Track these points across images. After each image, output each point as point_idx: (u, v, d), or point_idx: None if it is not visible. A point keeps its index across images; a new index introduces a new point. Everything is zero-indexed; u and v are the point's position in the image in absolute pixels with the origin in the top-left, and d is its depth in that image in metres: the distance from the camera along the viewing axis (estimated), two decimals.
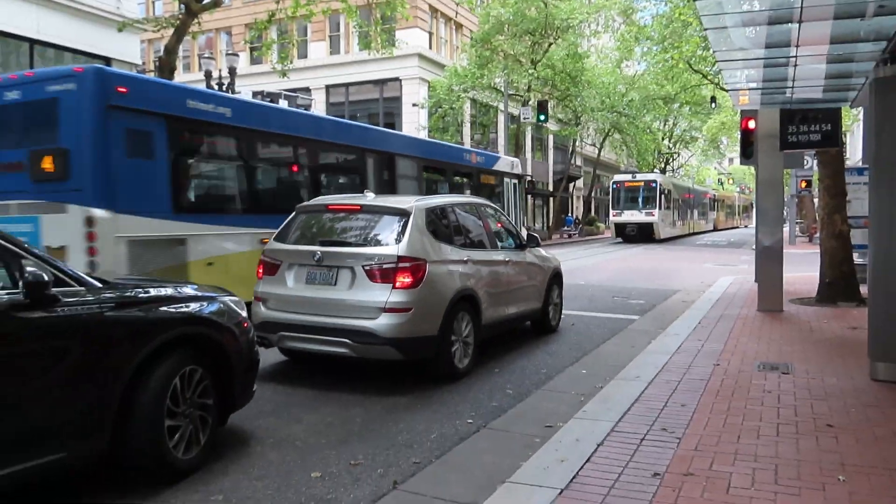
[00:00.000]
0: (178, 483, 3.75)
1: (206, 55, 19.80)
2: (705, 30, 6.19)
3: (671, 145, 53.79)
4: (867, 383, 5.53)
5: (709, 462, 3.77)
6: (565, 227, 41.62)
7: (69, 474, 3.47)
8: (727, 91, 9.43)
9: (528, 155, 38.31)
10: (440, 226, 6.50)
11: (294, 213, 6.72)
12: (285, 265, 6.16)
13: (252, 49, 31.33)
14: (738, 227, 63.05)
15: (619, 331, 8.56)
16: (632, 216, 34.90)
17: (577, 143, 44.79)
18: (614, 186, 36.80)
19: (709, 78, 29.81)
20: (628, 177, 37.07)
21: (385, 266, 5.72)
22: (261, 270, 6.35)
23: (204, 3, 14.96)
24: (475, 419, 4.99)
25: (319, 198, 7.31)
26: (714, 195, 57.83)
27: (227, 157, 9.46)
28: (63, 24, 17.04)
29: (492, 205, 8.24)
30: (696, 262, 21.24)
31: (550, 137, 45.35)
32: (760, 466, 3.71)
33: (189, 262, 8.02)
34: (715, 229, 54.62)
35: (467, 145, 31.69)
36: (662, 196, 35.58)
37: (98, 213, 7.07)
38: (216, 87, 17.86)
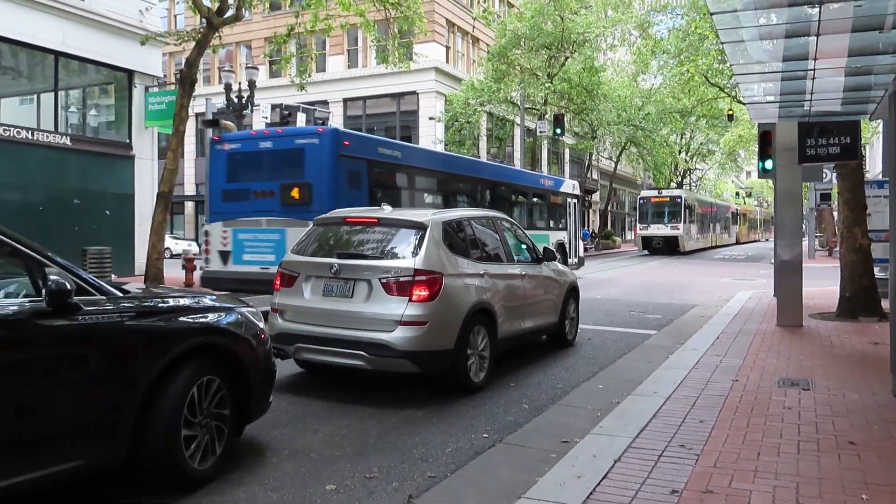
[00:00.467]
0: (193, 492, 3.77)
1: (226, 68, 20.04)
2: (722, 43, 6.18)
3: (688, 159, 53.57)
4: (889, 399, 5.44)
5: (728, 479, 3.72)
6: (582, 241, 41.53)
7: (85, 481, 3.49)
8: (744, 104, 9.39)
9: (545, 168, 38.30)
10: (456, 239, 6.50)
11: (312, 226, 6.76)
12: (302, 277, 6.19)
13: (271, 62, 31.67)
14: (759, 241, 63.25)
15: (635, 345, 8.49)
16: (658, 230, 36.62)
17: (593, 157, 44.73)
18: (641, 201, 38.53)
19: (725, 91, 29.70)
20: (654, 192, 38.90)
21: (401, 279, 5.73)
22: (278, 282, 6.38)
23: (225, 17, 15.14)
24: (491, 433, 4.96)
25: (337, 210, 7.36)
26: (737, 209, 58.97)
27: (398, 186, 12.92)
28: (87, 36, 17.40)
29: (508, 218, 8.24)
30: (714, 276, 21.05)
31: (566, 151, 45.31)
32: (781, 484, 3.65)
33: None
34: (737, 242, 55.71)
35: (483, 159, 31.75)
36: (687, 210, 37.07)
37: None
38: (235, 100, 18.04)
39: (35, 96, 17.96)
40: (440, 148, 29.22)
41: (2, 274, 3.64)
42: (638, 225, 38.37)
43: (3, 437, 3.01)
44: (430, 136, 32.03)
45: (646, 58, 33.08)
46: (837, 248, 14.96)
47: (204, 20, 15.41)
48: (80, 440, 3.30)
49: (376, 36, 18.69)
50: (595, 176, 49.54)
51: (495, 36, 31.60)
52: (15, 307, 3.17)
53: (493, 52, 30.95)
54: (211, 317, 4.13)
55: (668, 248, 35.87)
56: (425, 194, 13.87)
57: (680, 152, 50.15)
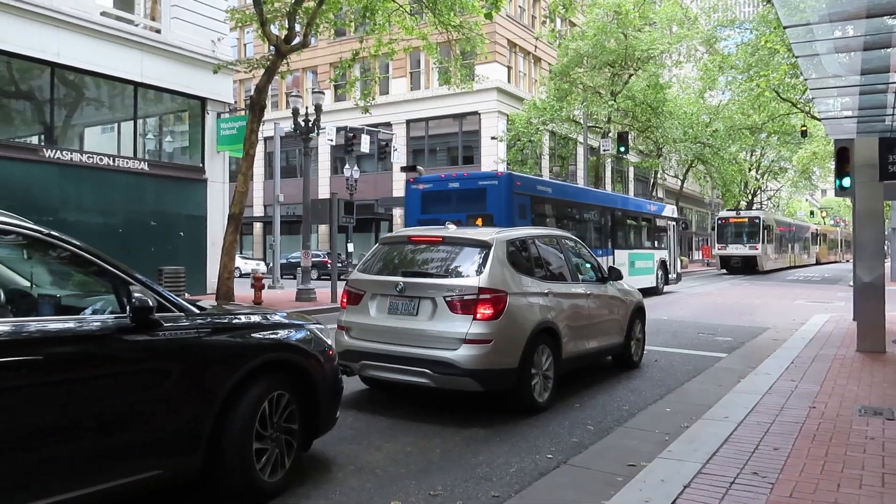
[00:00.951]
0: None
1: (293, 93, 20.67)
2: (796, 57, 6.02)
3: (759, 176, 51.94)
4: None
5: None
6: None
7: (160, 491, 3.62)
8: (819, 120, 9.08)
9: (609, 187, 37.83)
10: (521, 258, 6.49)
11: (377, 245, 6.88)
12: (368, 295, 6.29)
13: (336, 87, 32.57)
14: (840, 262, 61.15)
15: (704, 368, 8.24)
16: (736, 249, 37.57)
17: (658, 175, 43.90)
18: (720, 222, 39.34)
19: (798, 106, 28.73)
20: (733, 213, 39.73)
21: (466, 297, 5.76)
22: (345, 300, 6.51)
23: (293, 44, 15.71)
24: (555, 454, 4.90)
25: (401, 229, 7.48)
26: (816, 229, 58.14)
27: (550, 214, 16.34)
28: (164, 67, 18.33)
29: (573, 237, 8.18)
30: (787, 298, 20.21)
31: (631, 169, 44.63)
32: None
33: None
34: (817, 262, 55.04)
35: (546, 177, 31.62)
36: (765, 231, 37.71)
37: None
38: (302, 124, 18.60)
39: (116, 125, 18.96)
40: (503, 167, 29.44)
41: (86, 292, 3.84)
42: (717, 245, 39.59)
43: (90, 445, 3.17)
44: (493, 156, 32.14)
45: (713, 73, 32.39)
46: None
47: (272, 48, 16.04)
48: (158, 450, 3.44)
49: (438, 58, 18.99)
50: (660, 194, 48.55)
51: (557, 55, 31.56)
52: (101, 323, 3.34)
53: (555, 70, 30.90)
54: (282, 333, 4.25)
55: (746, 267, 36.91)
56: (566, 220, 17.53)
57: (750, 170, 48.69)
